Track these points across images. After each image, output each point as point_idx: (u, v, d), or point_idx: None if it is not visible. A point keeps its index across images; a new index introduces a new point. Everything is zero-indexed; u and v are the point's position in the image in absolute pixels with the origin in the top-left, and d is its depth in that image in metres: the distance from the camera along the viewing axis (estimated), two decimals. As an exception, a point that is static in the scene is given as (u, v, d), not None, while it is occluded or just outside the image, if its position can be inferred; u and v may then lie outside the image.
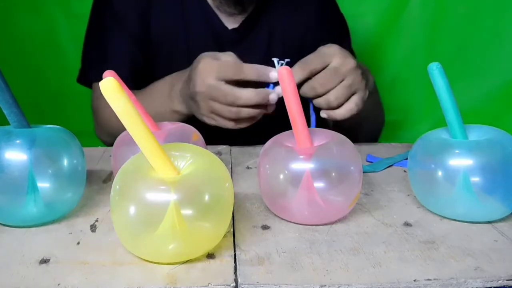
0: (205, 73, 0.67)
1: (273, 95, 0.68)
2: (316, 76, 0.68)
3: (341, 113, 0.69)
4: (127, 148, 0.55)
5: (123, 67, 0.87)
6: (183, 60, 0.81)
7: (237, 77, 0.67)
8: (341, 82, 0.68)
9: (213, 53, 0.70)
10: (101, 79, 0.91)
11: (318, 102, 0.69)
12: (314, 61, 0.68)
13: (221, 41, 0.91)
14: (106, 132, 0.89)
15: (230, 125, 0.70)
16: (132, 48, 0.89)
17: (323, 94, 0.68)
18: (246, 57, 0.91)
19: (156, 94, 0.80)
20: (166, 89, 0.78)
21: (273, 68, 0.69)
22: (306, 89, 0.68)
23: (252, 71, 0.68)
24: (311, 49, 0.94)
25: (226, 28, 0.91)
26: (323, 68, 0.68)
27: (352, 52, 0.98)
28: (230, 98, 0.67)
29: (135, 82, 0.87)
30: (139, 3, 0.89)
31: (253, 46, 0.93)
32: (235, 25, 0.91)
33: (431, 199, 0.52)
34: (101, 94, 0.88)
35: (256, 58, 0.92)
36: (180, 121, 0.65)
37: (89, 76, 0.91)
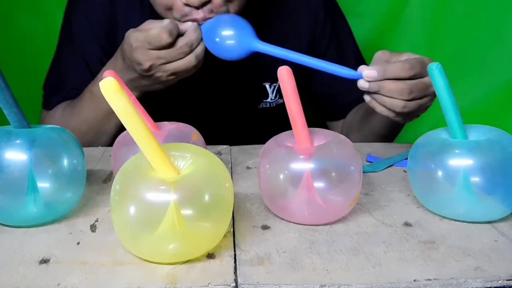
0: (141, 47, 0.68)
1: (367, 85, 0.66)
2: (409, 82, 0.64)
3: (382, 110, 0.67)
4: (127, 148, 0.55)
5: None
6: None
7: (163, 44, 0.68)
8: (420, 98, 0.66)
9: (132, 30, 0.70)
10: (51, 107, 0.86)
11: (384, 100, 0.66)
12: (416, 65, 0.64)
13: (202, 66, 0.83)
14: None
15: (193, 72, 0.71)
16: (89, 78, 0.85)
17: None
18: (233, 80, 0.88)
19: (98, 95, 0.76)
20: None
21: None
22: (390, 86, 0.64)
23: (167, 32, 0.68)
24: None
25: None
26: (411, 76, 0.64)
27: (358, 51, 0.97)
28: (184, 49, 0.68)
29: None
30: (103, 29, 0.87)
31: (240, 70, 0.87)
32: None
33: (431, 199, 0.52)
34: (42, 119, 0.86)
35: (245, 81, 0.90)
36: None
37: (50, 104, 0.90)
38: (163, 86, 0.74)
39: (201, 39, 0.71)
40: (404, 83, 0.64)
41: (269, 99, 0.91)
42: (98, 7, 0.87)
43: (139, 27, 0.70)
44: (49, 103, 0.89)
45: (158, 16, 0.77)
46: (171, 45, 0.68)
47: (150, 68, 0.69)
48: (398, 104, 0.65)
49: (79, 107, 0.82)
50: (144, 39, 0.68)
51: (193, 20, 0.72)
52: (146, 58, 0.68)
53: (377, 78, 0.64)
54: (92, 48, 0.87)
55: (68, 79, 0.89)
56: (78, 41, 0.88)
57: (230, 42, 0.72)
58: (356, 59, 0.92)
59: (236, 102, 0.91)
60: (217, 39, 0.72)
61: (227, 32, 0.73)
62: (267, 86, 0.91)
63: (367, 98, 0.68)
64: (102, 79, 0.75)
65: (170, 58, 0.69)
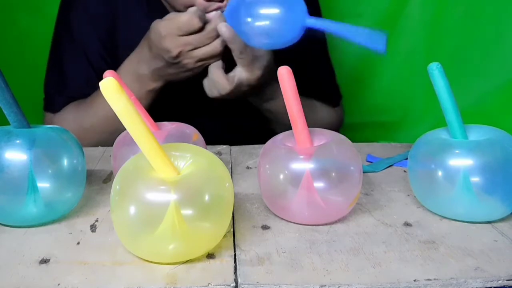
0: (170, 34, 0.70)
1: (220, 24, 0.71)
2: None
3: None
4: (127, 148, 0.55)
5: (83, 96, 0.86)
6: None
7: (192, 30, 0.70)
8: None
9: (158, 20, 0.72)
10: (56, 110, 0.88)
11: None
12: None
13: None
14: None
15: (218, 59, 0.73)
16: (93, 75, 0.87)
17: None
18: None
19: None
20: (130, 79, 0.77)
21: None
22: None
23: (195, 18, 0.70)
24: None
25: None
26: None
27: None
28: (211, 34, 0.70)
29: None
30: (103, 27, 0.87)
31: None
32: None
33: (431, 199, 0.52)
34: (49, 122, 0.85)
35: None
36: (153, 99, 0.73)
37: (55, 106, 0.90)
38: (189, 74, 0.76)
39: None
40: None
41: None
42: (98, 2, 0.87)
43: (164, 18, 0.72)
44: (54, 106, 0.89)
45: (155, 8, 0.80)
46: (200, 30, 0.70)
47: (178, 55, 0.71)
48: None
49: (97, 104, 0.82)
50: (174, 26, 0.70)
51: (217, 9, 0.74)
52: (175, 45, 0.70)
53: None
54: (93, 44, 0.88)
55: (71, 78, 0.88)
56: (79, 38, 0.88)
57: (270, 21, 0.63)
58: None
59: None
60: (249, 19, 0.65)
61: (264, 10, 0.63)
62: None
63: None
64: (123, 72, 0.76)
65: (198, 44, 0.71)
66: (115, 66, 0.83)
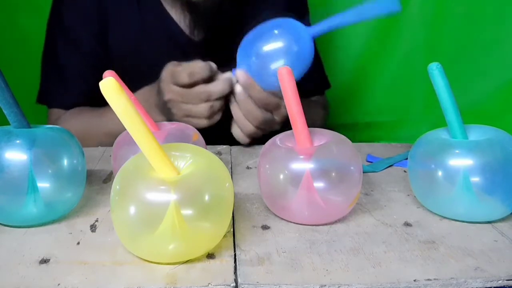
0: (167, 79, 0.70)
1: (238, 88, 0.71)
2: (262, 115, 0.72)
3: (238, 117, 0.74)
4: (127, 148, 0.55)
5: (79, 92, 0.88)
6: (149, 75, 0.79)
7: (188, 81, 0.69)
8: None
9: (177, 62, 0.72)
10: (57, 105, 0.92)
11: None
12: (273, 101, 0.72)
13: (187, 54, 0.85)
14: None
15: (204, 123, 0.71)
16: (88, 69, 0.88)
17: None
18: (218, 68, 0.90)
19: None
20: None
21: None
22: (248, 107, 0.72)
23: (204, 70, 0.69)
24: None
25: (192, 40, 0.89)
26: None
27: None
28: (201, 96, 0.69)
29: (97, 102, 0.86)
30: (94, 22, 0.88)
31: (226, 57, 0.87)
32: (201, 37, 0.89)
33: (431, 199, 0.52)
34: (56, 120, 0.89)
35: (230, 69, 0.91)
36: None
37: (49, 101, 0.91)
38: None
39: (224, 95, 0.70)
40: (260, 113, 0.71)
41: None
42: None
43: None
44: (60, 101, 0.90)
45: (146, 3, 0.80)
46: (190, 86, 0.69)
47: (169, 101, 0.71)
48: (248, 128, 0.72)
49: (107, 117, 0.83)
50: (170, 73, 0.70)
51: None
52: (168, 90, 0.71)
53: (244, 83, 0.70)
54: (86, 38, 0.89)
55: (69, 72, 0.89)
56: (73, 35, 0.89)
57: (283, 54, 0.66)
58: None
59: None
60: (253, 58, 0.68)
61: (271, 45, 0.66)
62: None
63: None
64: (138, 97, 0.75)
65: (184, 99, 0.70)
66: (108, 60, 0.85)
